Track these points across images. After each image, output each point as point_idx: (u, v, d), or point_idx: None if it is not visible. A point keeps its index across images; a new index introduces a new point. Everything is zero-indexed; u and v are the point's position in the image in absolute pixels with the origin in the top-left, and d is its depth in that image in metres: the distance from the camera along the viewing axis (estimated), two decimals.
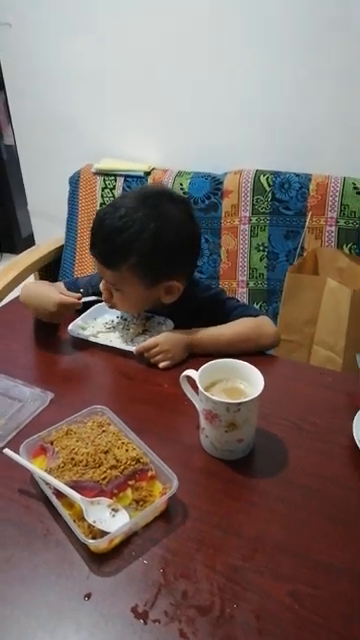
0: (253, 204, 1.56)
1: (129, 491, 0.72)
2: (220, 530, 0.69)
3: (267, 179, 1.55)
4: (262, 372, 0.79)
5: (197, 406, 0.82)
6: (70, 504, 0.70)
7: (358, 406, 0.86)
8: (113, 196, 1.72)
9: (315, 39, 1.45)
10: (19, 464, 0.74)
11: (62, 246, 1.82)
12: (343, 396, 0.94)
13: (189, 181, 1.63)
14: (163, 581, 0.63)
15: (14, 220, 2.97)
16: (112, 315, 1.13)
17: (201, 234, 1.09)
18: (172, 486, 0.70)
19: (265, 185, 1.55)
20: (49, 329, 1.11)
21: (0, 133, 2.76)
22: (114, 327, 1.11)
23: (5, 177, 2.84)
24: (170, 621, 0.59)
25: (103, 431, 0.80)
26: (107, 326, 1.11)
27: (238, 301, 1.16)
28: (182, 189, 1.62)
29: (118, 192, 1.71)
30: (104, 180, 1.73)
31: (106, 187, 1.73)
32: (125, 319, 1.12)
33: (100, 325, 1.12)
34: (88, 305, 1.12)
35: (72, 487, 0.70)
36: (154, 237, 0.95)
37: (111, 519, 0.68)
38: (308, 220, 1.52)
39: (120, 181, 1.72)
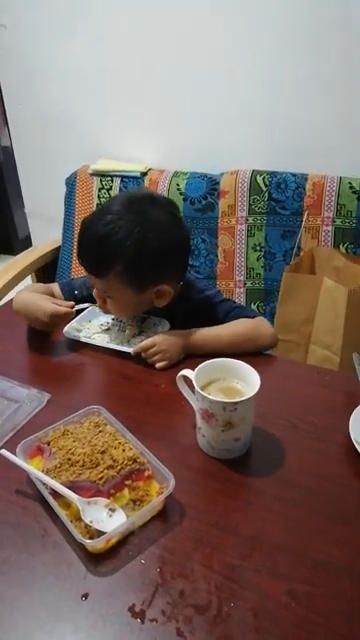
0: (250, 204, 1.57)
1: (126, 491, 0.72)
2: (217, 529, 0.69)
3: (263, 179, 1.55)
4: (259, 371, 0.79)
5: (194, 406, 0.82)
6: (67, 504, 0.70)
7: (355, 405, 0.86)
8: (110, 197, 1.72)
9: (315, 39, 1.45)
10: (16, 465, 0.74)
11: (59, 247, 1.83)
12: (340, 395, 0.95)
13: (185, 181, 1.63)
14: (160, 580, 0.63)
15: (11, 222, 2.98)
16: (107, 317, 1.13)
17: (189, 237, 1.08)
18: (169, 486, 0.70)
19: (261, 185, 1.55)
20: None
21: None
22: (109, 329, 1.11)
23: (2, 179, 2.84)
24: (167, 620, 0.59)
25: (100, 431, 0.80)
26: (102, 328, 1.11)
27: (234, 302, 1.15)
28: (179, 189, 1.62)
29: (115, 193, 1.71)
30: (100, 181, 1.73)
31: (103, 188, 1.73)
32: (120, 321, 1.12)
33: (95, 327, 1.12)
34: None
35: (69, 487, 0.70)
36: (137, 243, 0.95)
37: (108, 519, 0.68)
38: (305, 220, 1.52)
39: (117, 182, 1.72)
